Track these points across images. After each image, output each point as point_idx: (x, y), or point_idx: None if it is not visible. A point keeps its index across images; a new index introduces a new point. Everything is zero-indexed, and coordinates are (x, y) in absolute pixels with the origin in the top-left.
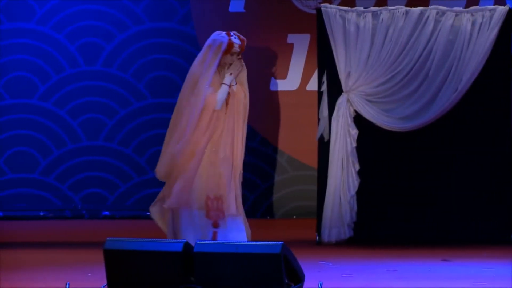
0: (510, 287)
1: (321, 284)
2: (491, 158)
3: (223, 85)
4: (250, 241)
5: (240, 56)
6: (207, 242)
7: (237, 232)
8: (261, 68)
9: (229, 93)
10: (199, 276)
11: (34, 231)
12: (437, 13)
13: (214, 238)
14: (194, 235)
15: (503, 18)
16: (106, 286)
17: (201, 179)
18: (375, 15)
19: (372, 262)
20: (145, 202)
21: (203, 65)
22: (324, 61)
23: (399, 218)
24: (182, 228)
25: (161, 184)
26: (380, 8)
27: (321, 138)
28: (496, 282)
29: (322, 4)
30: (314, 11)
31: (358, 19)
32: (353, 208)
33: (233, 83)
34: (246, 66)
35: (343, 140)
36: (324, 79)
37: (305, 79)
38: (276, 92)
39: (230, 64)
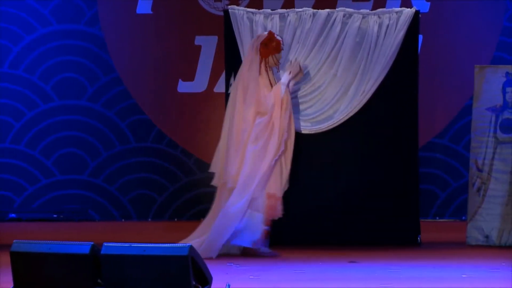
0: (416, 287)
1: (229, 286)
2: (398, 160)
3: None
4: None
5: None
6: (114, 244)
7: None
8: (169, 70)
9: None
10: (107, 279)
11: None
12: (344, 15)
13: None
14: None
15: (409, 20)
16: None
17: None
18: (282, 17)
19: (280, 264)
20: (52, 204)
21: None
22: (231, 63)
23: (306, 220)
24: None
25: (69, 186)
26: (288, 10)
27: None
28: (403, 283)
29: (229, 6)
30: (221, 13)
31: (266, 21)
32: None
33: None
34: (154, 68)
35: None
36: (232, 81)
37: (212, 81)
38: (184, 94)
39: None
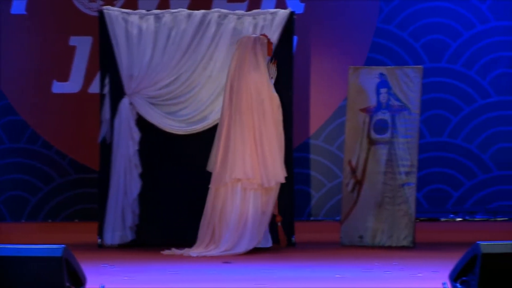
0: (287, 286)
1: (103, 287)
2: None
3: None
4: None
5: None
6: None
7: None
8: (43, 70)
9: None
10: None
11: None
12: (219, 16)
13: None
14: None
15: (284, 21)
16: None
17: None
18: (157, 17)
19: (155, 264)
20: None
21: None
22: (106, 63)
23: (181, 220)
24: None
25: None
26: (163, 11)
27: (104, 140)
28: (277, 283)
29: (104, 7)
30: (96, 14)
31: (141, 21)
32: (135, 211)
33: None
34: (28, 69)
35: (125, 143)
36: (107, 81)
37: (87, 82)
38: (58, 94)
39: None
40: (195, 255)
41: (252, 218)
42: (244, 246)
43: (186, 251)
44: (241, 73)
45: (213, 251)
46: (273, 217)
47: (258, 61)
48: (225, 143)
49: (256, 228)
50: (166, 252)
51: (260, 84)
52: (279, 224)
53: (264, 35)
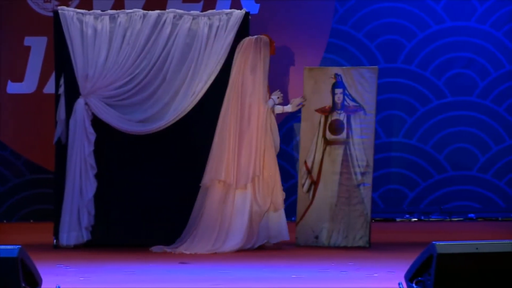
0: (244, 286)
1: (59, 287)
2: None
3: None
4: None
5: None
6: None
7: None
8: None
9: None
10: None
11: None
12: (174, 17)
13: None
14: None
15: (239, 22)
16: None
17: None
18: (112, 18)
19: (111, 265)
20: None
21: None
22: (61, 64)
23: (136, 221)
24: None
25: None
26: (118, 11)
27: (59, 141)
28: (233, 283)
29: (59, 7)
30: (51, 14)
31: (96, 22)
32: (91, 211)
33: None
34: None
35: (80, 143)
36: (62, 82)
37: (42, 82)
38: (13, 95)
39: None
40: (188, 252)
41: (238, 218)
42: (230, 245)
43: (177, 249)
44: (239, 75)
45: (199, 249)
46: None
47: (256, 63)
48: (213, 145)
49: (252, 227)
50: (154, 249)
51: (252, 87)
52: None
53: (265, 34)
